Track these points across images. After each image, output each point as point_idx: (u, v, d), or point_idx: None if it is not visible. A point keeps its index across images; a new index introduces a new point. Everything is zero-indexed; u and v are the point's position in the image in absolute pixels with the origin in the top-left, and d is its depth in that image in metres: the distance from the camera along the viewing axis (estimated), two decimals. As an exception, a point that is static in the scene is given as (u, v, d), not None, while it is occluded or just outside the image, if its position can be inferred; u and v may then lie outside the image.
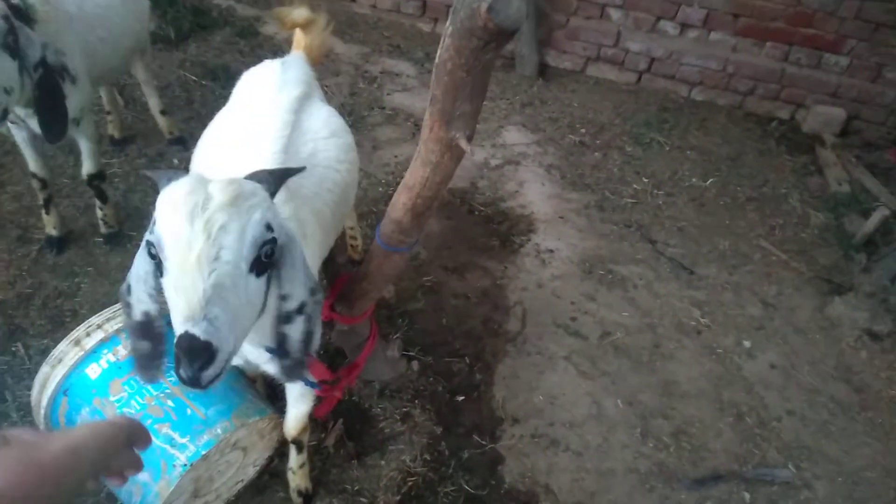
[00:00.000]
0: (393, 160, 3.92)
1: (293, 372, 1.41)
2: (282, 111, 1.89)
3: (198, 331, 1.08)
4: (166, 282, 1.16)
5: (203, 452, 1.78)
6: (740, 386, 2.89)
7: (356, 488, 2.36)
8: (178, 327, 1.11)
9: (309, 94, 2.10)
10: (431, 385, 2.73)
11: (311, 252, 1.74)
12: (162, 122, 3.68)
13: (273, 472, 2.28)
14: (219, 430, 1.82)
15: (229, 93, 2.28)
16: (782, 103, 4.87)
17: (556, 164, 4.04)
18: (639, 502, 2.44)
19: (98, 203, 2.99)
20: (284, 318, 1.34)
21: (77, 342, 1.90)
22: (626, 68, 5.03)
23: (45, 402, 1.98)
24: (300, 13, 2.44)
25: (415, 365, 2.80)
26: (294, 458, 2.17)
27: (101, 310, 2.16)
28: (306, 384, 1.88)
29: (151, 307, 1.31)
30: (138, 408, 1.84)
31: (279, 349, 1.37)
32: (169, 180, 1.23)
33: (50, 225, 2.97)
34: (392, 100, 4.48)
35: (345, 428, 2.54)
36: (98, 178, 2.90)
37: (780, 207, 3.96)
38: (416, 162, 1.70)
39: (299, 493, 2.22)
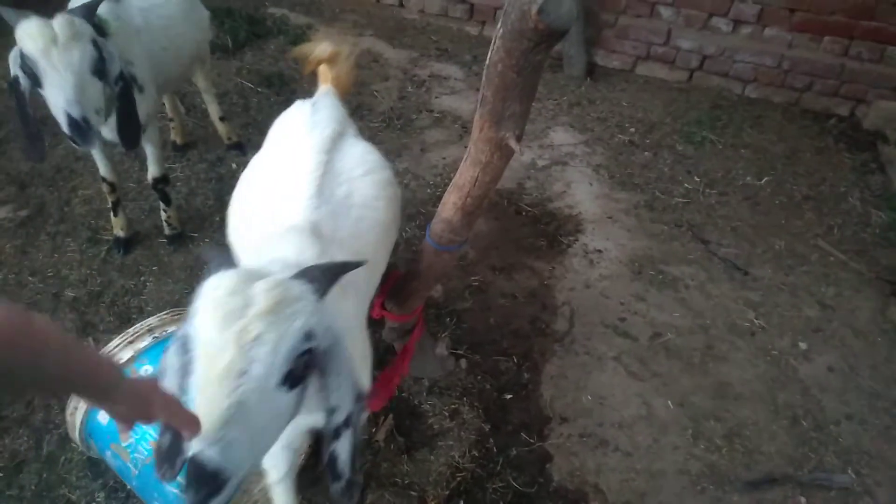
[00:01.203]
0: (441, 162, 3.97)
1: (347, 495, 1.30)
2: (313, 152, 1.84)
3: (210, 454, 1.00)
4: (193, 382, 1.09)
5: None
6: (796, 388, 2.82)
7: (406, 482, 2.42)
8: (193, 443, 1.03)
9: (342, 133, 2.04)
10: (479, 383, 2.77)
11: (354, 300, 1.69)
12: (221, 128, 3.83)
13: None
14: None
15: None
16: (841, 99, 4.71)
17: (605, 164, 4.02)
18: (690, 504, 2.41)
19: (162, 206, 3.15)
20: (334, 434, 1.24)
21: None
22: (676, 66, 4.95)
23: (81, 445, 2.10)
24: (323, 49, 2.34)
25: (463, 363, 2.84)
26: None
27: (166, 307, 2.29)
28: None
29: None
30: (146, 453, 1.90)
31: (331, 471, 1.28)
32: (219, 266, 1.18)
33: (118, 227, 3.14)
34: (440, 103, 4.54)
35: (394, 423, 2.60)
36: (162, 181, 3.06)
37: (839, 206, 3.83)
38: (465, 162, 1.74)
39: None
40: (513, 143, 1.55)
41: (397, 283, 2.34)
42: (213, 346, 1.05)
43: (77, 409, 2.02)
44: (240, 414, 1.02)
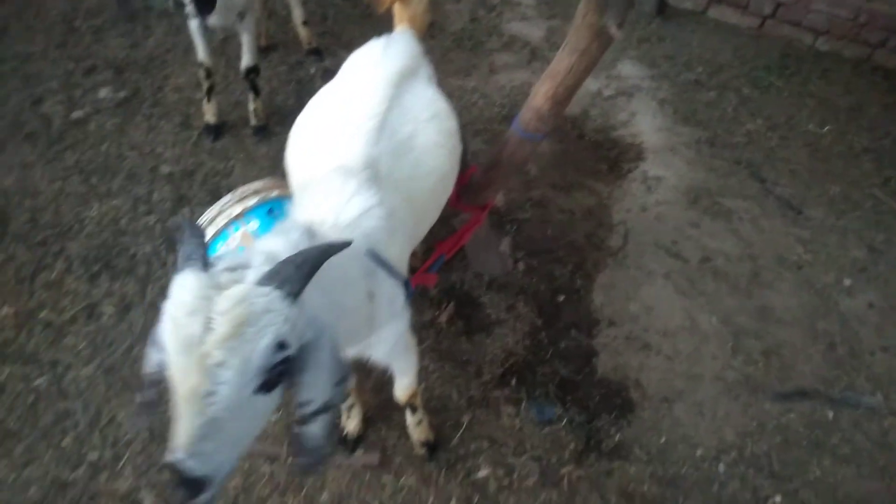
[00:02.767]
0: (508, 84, 4.09)
1: (308, 470, 1.27)
2: (381, 86, 1.79)
3: (189, 465, 1.01)
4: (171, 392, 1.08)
5: None
6: (836, 319, 2.96)
7: (465, 358, 2.66)
8: (171, 450, 1.03)
9: (414, 71, 1.99)
10: (535, 284, 2.97)
11: (398, 244, 1.68)
12: (303, 32, 4.00)
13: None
14: None
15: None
16: (916, 58, 4.64)
17: (670, 100, 4.09)
18: (723, 406, 2.61)
19: (251, 96, 3.36)
20: (303, 421, 1.20)
21: None
22: (749, 12, 4.91)
23: None
24: None
25: (521, 265, 3.04)
26: (411, 417, 2.30)
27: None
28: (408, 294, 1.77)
29: (155, 374, 1.22)
30: None
31: (296, 446, 1.24)
32: (187, 257, 1.11)
33: (209, 113, 3.37)
34: (510, 28, 4.61)
35: (455, 309, 2.83)
36: (254, 71, 3.25)
37: (900, 160, 3.87)
38: (562, 51, 1.89)
39: (422, 444, 2.34)
40: (613, 31, 1.69)
41: (474, 176, 2.53)
42: (178, 367, 1.03)
43: None
44: (212, 429, 1.03)
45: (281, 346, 1.08)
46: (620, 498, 2.29)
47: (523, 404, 2.53)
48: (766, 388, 2.68)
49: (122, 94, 3.59)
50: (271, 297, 1.08)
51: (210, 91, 3.29)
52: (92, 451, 2.25)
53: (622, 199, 3.43)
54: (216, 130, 3.39)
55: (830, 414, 2.62)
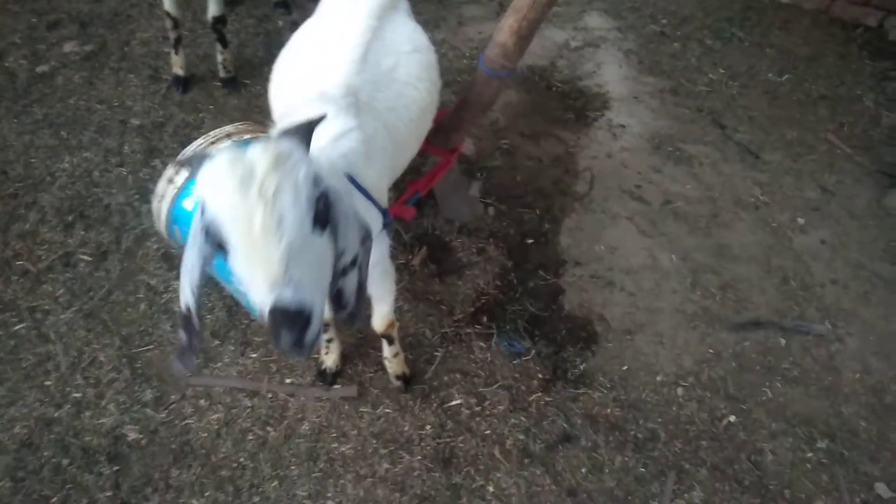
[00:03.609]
0: (477, 36, 4.13)
1: (350, 322, 1.41)
2: (363, 17, 1.83)
3: (286, 296, 1.08)
4: (235, 260, 1.15)
5: None
6: (789, 255, 3.11)
7: (438, 299, 2.76)
8: (265, 299, 1.10)
9: (394, 4, 2.03)
10: (505, 228, 3.07)
11: (376, 170, 1.72)
12: (270, -16, 3.97)
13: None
14: None
15: None
16: (872, 9, 4.76)
17: (635, 50, 4.17)
18: (682, 336, 2.75)
19: (219, 47, 3.35)
20: (340, 273, 1.32)
21: (170, 180, 2.09)
22: (713, -35, 4.98)
23: (164, 231, 2.33)
24: None
25: (490, 210, 3.13)
26: (387, 349, 2.40)
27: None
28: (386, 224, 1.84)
29: (191, 302, 1.30)
30: None
31: (336, 303, 1.37)
32: (200, 160, 1.20)
33: (177, 65, 3.36)
34: (478, -20, 4.62)
35: (428, 253, 2.92)
36: (220, 21, 3.24)
37: (853, 107, 4.01)
38: (525, -15, 1.94)
39: (397, 377, 2.44)
40: (571, -35, 1.74)
41: (444, 118, 2.59)
42: (243, 212, 1.10)
43: (163, 198, 2.30)
44: (294, 256, 1.11)
45: (317, 181, 1.19)
46: (585, 420, 2.43)
47: (494, 339, 2.65)
48: (722, 319, 2.83)
49: (88, 48, 3.56)
50: (289, 143, 1.19)
51: (178, 43, 3.27)
52: (75, 391, 2.31)
53: (588, 147, 3.52)
54: (185, 83, 3.39)
55: (782, 341, 2.78)
